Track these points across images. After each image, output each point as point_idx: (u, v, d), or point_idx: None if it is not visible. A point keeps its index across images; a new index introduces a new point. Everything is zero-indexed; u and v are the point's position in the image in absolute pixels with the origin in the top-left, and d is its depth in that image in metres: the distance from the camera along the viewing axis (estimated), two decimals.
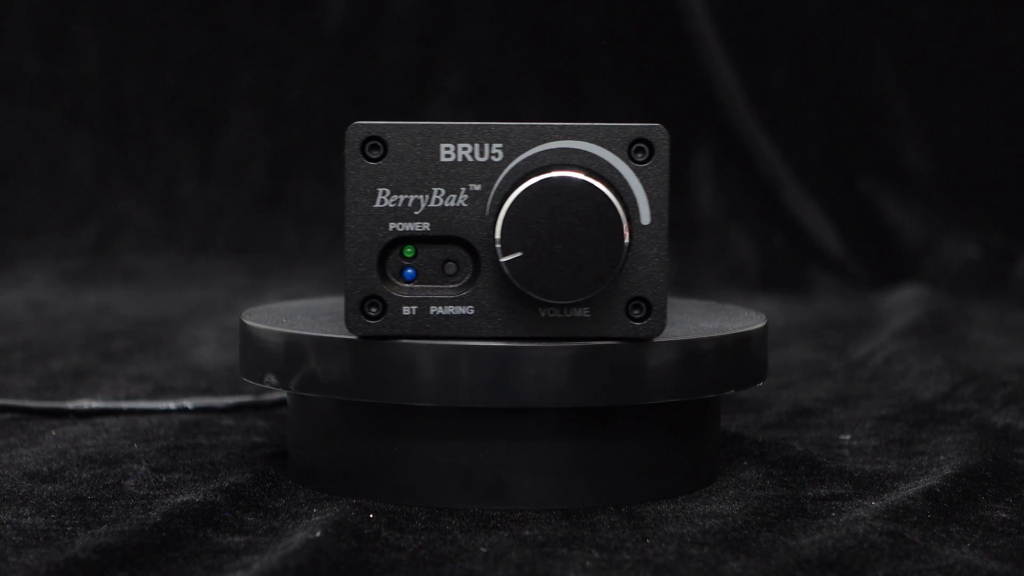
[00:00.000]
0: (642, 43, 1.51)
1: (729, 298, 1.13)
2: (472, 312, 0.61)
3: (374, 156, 0.61)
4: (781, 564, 0.56)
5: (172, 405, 0.82)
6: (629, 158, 0.61)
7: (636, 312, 0.61)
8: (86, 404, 0.82)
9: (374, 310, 0.62)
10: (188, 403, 0.82)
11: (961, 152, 1.46)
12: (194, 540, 0.59)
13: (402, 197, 0.61)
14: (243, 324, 0.67)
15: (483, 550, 0.58)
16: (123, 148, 1.54)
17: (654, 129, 0.61)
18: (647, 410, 0.64)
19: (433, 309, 0.61)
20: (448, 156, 0.61)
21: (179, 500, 0.63)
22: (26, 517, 0.62)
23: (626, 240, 0.59)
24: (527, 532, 0.60)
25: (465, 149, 0.61)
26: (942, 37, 1.47)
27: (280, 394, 0.82)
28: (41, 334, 1.11)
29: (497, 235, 0.60)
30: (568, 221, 0.59)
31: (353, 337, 0.62)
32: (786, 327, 1.16)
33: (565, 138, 0.61)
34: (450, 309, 0.61)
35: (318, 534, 0.57)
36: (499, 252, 0.60)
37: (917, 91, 1.46)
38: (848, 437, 0.78)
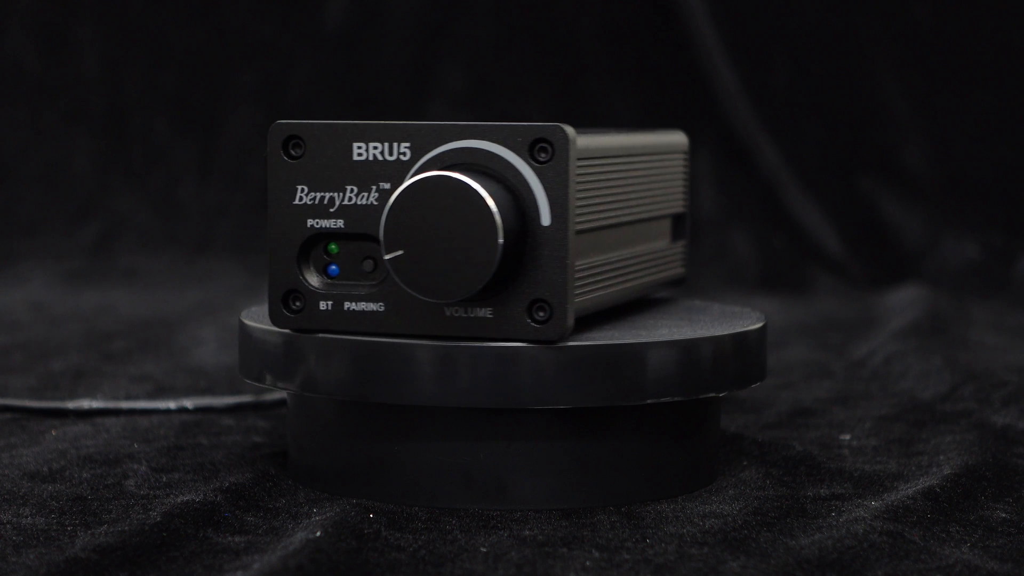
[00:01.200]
0: (642, 43, 1.51)
1: (729, 298, 1.14)
2: (383, 309, 0.62)
3: (295, 155, 0.62)
4: (781, 564, 0.56)
5: (172, 405, 0.82)
6: (531, 158, 0.60)
7: (539, 314, 0.60)
8: (86, 404, 0.82)
9: (297, 304, 0.63)
10: (188, 403, 0.82)
11: (961, 152, 1.46)
12: (194, 540, 0.59)
13: (319, 194, 0.62)
14: (243, 324, 0.67)
15: (483, 550, 0.58)
16: (123, 148, 1.54)
17: (555, 129, 0.60)
18: (647, 410, 0.64)
19: (347, 305, 0.62)
20: (360, 155, 0.62)
21: (179, 500, 0.63)
22: (26, 517, 0.62)
23: (500, 240, 0.59)
24: (527, 532, 0.60)
25: (376, 148, 0.62)
26: (942, 37, 1.47)
27: (280, 394, 0.82)
28: (41, 334, 1.11)
29: (381, 233, 0.60)
30: (445, 220, 0.59)
31: (353, 337, 0.62)
32: (786, 327, 1.16)
33: (469, 137, 0.61)
34: (362, 305, 0.62)
35: (318, 534, 0.57)
36: (383, 250, 0.60)
37: (917, 91, 1.46)
38: (848, 437, 0.78)
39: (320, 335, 0.63)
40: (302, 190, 0.63)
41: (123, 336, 1.11)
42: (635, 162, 0.69)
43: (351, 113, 1.48)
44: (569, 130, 0.60)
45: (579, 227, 0.61)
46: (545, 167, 0.60)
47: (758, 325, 0.68)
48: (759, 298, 1.28)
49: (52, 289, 1.34)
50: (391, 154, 0.61)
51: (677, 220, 0.75)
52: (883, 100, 1.47)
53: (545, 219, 0.60)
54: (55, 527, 0.60)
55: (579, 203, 0.61)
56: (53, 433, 0.77)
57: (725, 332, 0.65)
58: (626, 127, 0.75)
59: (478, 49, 1.53)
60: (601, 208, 0.65)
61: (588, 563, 0.56)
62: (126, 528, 0.59)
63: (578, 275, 0.62)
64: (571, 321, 0.60)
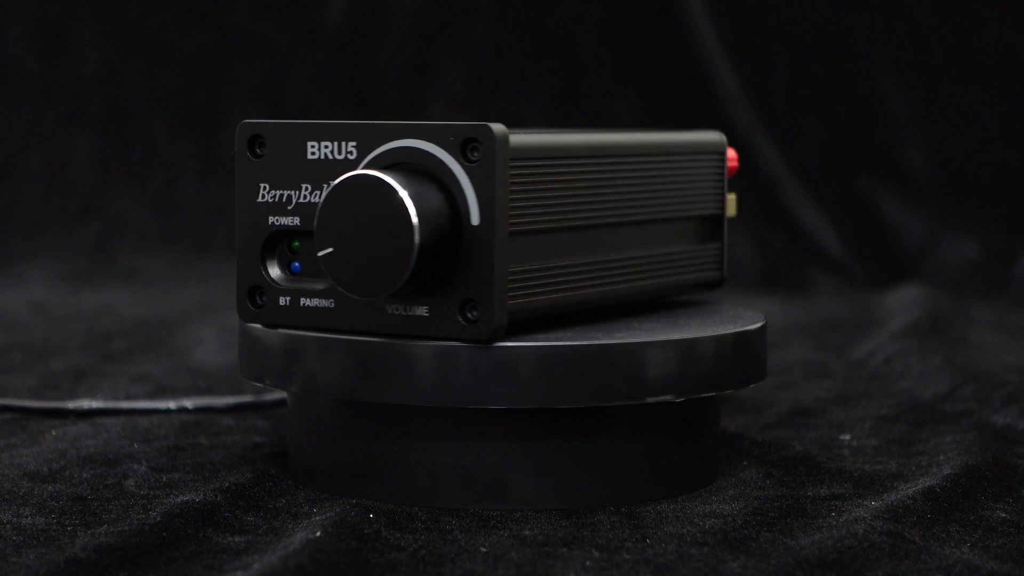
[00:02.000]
0: (642, 43, 1.51)
1: (729, 298, 1.13)
2: (333, 306, 0.63)
3: (259, 153, 0.64)
4: (781, 564, 0.56)
5: (172, 405, 0.82)
6: (463, 158, 0.60)
7: (470, 313, 0.60)
8: (86, 404, 0.82)
9: (261, 299, 0.64)
10: (188, 403, 0.82)
11: (961, 152, 1.46)
12: (194, 540, 0.59)
13: (278, 192, 0.64)
14: (243, 324, 0.67)
15: (483, 550, 0.58)
16: (123, 148, 1.54)
17: (482, 128, 0.60)
18: (647, 410, 0.64)
19: (303, 301, 0.63)
20: (313, 154, 0.63)
21: (179, 500, 0.63)
22: (26, 517, 0.62)
23: (416, 240, 0.59)
24: (527, 532, 0.60)
25: (326, 147, 0.62)
26: (942, 37, 1.47)
27: (280, 394, 0.82)
28: (41, 334, 1.11)
29: (315, 230, 0.61)
30: (369, 219, 0.60)
31: (354, 337, 0.62)
32: (786, 327, 1.16)
33: (407, 137, 0.61)
34: (316, 302, 0.63)
35: (318, 534, 0.57)
36: (316, 247, 0.61)
37: (917, 91, 1.46)
38: (848, 437, 0.78)
39: (318, 335, 0.63)
40: (264, 188, 0.64)
41: (123, 336, 1.11)
42: (622, 163, 0.67)
43: (351, 113, 1.48)
44: (498, 129, 0.59)
45: (519, 227, 0.61)
46: (474, 167, 0.60)
47: (758, 325, 0.68)
48: (759, 298, 1.28)
49: (52, 289, 1.34)
50: (340, 153, 0.62)
51: (709, 222, 0.73)
52: (883, 100, 1.47)
53: (474, 219, 0.60)
54: (55, 527, 0.60)
55: (520, 203, 0.61)
56: (53, 433, 0.77)
57: (725, 332, 0.65)
58: (662, 127, 0.74)
59: (478, 49, 1.53)
60: (557, 209, 0.63)
61: (588, 563, 0.56)
62: (126, 528, 0.59)
63: (525, 276, 0.62)
64: (501, 321, 0.60)
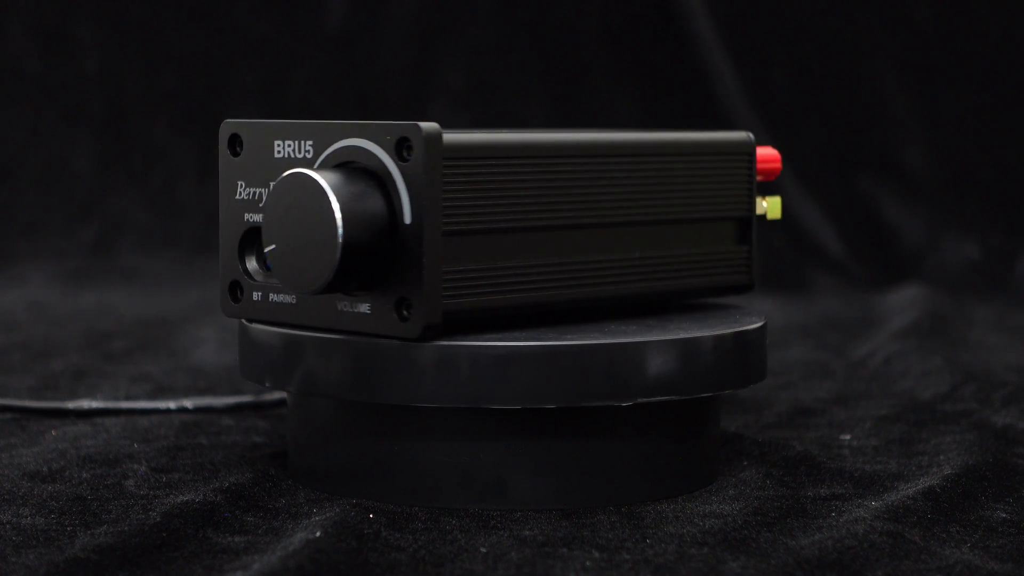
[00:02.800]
0: (642, 43, 1.51)
1: (729, 298, 1.13)
2: (294, 302, 0.64)
3: (237, 152, 0.65)
4: (781, 564, 0.56)
5: (172, 405, 0.82)
6: (398, 157, 0.60)
7: (404, 311, 0.61)
8: (86, 404, 0.82)
9: (239, 294, 0.66)
10: (188, 403, 0.82)
11: (961, 152, 1.46)
12: (194, 540, 0.59)
13: (252, 190, 0.65)
14: (243, 324, 0.67)
15: (483, 550, 0.58)
16: (123, 148, 1.54)
17: (412, 127, 0.60)
18: (647, 410, 0.64)
19: (271, 296, 0.65)
20: (279, 153, 0.64)
21: (179, 500, 0.63)
22: (26, 517, 0.62)
23: (340, 238, 0.59)
24: (527, 532, 0.60)
25: (289, 146, 0.63)
26: (942, 37, 1.47)
27: (280, 394, 0.82)
28: (41, 334, 1.11)
29: (262, 227, 0.62)
30: (303, 216, 0.60)
31: (353, 337, 0.62)
32: (786, 327, 1.16)
33: (352, 136, 0.62)
34: (281, 297, 0.64)
35: (318, 534, 0.57)
36: (263, 243, 0.62)
37: (917, 91, 1.46)
38: (848, 437, 0.78)
39: (318, 334, 0.63)
40: (241, 186, 0.65)
41: (123, 336, 1.11)
42: (604, 163, 0.66)
43: (351, 113, 1.48)
44: (428, 128, 0.60)
45: (457, 227, 0.61)
46: (407, 165, 0.60)
47: (758, 325, 0.68)
48: (759, 298, 1.28)
49: (52, 289, 1.34)
50: (299, 152, 0.63)
51: (735, 224, 0.72)
52: (883, 100, 1.47)
53: (407, 218, 0.60)
54: (55, 527, 0.60)
55: (458, 203, 0.61)
56: (53, 433, 0.77)
57: (725, 332, 0.65)
58: (692, 127, 0.73)
59: (478, 49, 1.53)
60: (503, 209, 0.63)
61: (588, 563, 0.56)
62: (126, 528, 0.59)
63: (465, 275, 0.62)
64: (433, 320, 0.60)
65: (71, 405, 0.81)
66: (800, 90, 1.49)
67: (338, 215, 0.59)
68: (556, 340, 0.62)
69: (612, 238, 0.67)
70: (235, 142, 0.65)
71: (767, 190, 0.76)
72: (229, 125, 0.66)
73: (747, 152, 0.72)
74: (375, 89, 1.53)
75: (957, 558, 0.57)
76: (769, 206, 0.73)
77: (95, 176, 1.52)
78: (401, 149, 0.60)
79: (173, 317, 1.20)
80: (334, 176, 0.60)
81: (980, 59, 1.47)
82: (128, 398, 0.86)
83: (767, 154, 0.73)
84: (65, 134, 1.53)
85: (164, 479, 0.68)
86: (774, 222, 0.78)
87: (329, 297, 0.62)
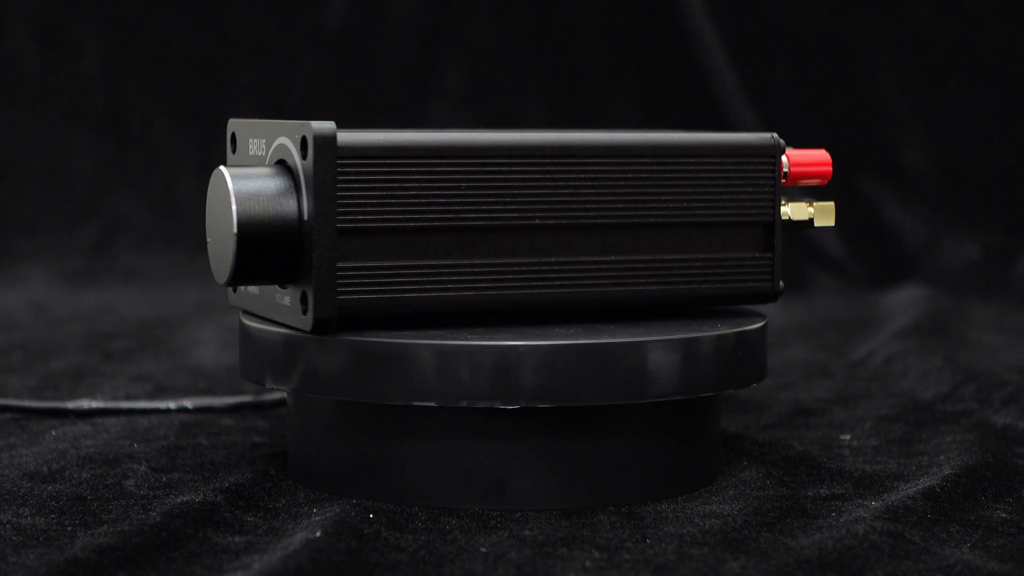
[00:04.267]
0: (642, 43, 1.51)
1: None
2: (258, 293, 0.67)
3: (235, 149, 0.68)
4: (781, 564, 0.56)
5: (172, 405, 0.82)
6: (302, 155, 0.62)
7: (304, 305, 0.62)
8: (86, 404, 0.82)
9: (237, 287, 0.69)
10: (188, 403, 0.82)
11: (961, 152, 1.46)
12: (194, 540, 0.59)
13: None
14: (243, 324, 0.67)
15: (483, 550, 0.58)
16: (123, 148, 1.54)
17: (307, 127, 0.61)
18: (647, 410, 0.64)
19: (249, 289, 0.68)
20: (252, 150, 0.66)
21: (179, 500, 0.63)
22: (26, 517, 0.62)
23: (234, 231, 0.61)
24: (527, 532, 0.60)
25: (254, 144, 0.66)
26: (942, 37, 1.47)
27: (280, 394, 0.82)
28: (41, 334, 1.11)
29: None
30: (219, 211, 0.63)
31: (353, 337, 0.62)
32: (786, 327, 1.16)
33: (280, 135, 0.64)
34: (254, 289, 0.67)
35: (318, 534, 0.57)
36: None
37: (917, 91, 1.46)
38: (848, 437, 0.78)
39: (317, 335, 0.63)
40: None
41: (123, 336, 1.11)
42: (558, 164, 0.65)
43: (351, 113, 1.48)
44: (319, 127, 0.61)
45: (357, 224, 0.62)
46: (305, 164, 0.62)
47: (758, 325, 0.68)
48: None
49: (52, 289, 1.34)
50: (260, 150, 0.66)
51: (752, 229, 0.68)
52: (883, 100, 1.47)
53: (307, 214, 0.62)
54: (55, 527, 0.60)
55: (357, 202, 0.62)
56: (53, 433, 0.77)
57: (725, 332, 0.65)
58: (695, 128, 0.70)
59: (478, 49, 1.53)
60: (413, 208, 0.63)
61: (588, 563, 0.56)
62: (126, 528, 0.59)
63: (366, 272, 0.62)
64: (325, 315, 0.61)
65: (71, 405, 0.81)
66: (800, 90, 1.49)
67: (234, 210, 0.61)
68: (556, 340, 0.62)
69: (573, 240, 0.65)
70: (234, 140, 0.68)
71: (820, 194, 0.73)
72: (231, 124, 0.68)
73: (769, 155, 0.68)
74: (375, 89, 1.53)
75: (957, 558, 0.57)
76: (817, 212, 0.70)
77: (95, 176, 1.52)
78: (303, 148, 0.62)
79: (173, 317, 1.20)
80: (252, 172, 0.63)
81: (980, 59, 1.47)
82: (128, 398, 0.86)
83: (812, 157, 0.69)
84: (65, 134, 1.53)
85: (164, 479, 0.68)
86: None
87: (271, 289, 0.65)
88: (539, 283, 0.65)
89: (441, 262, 0.64)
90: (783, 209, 0.69)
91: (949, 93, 1.46)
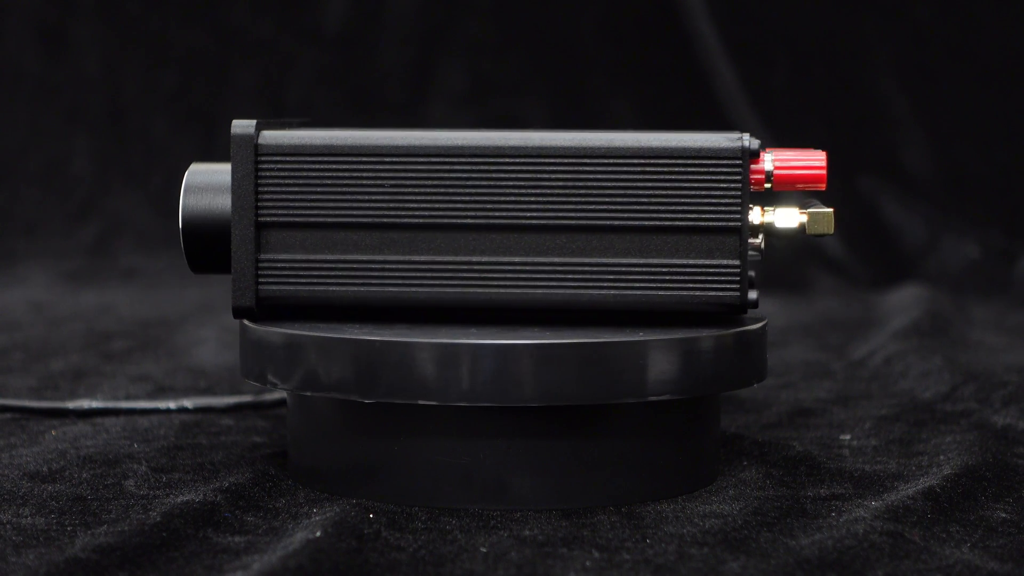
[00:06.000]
0: (642, 43, 1.51)
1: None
2: None
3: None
4: (781, 564, 0.56)
5: (172, 405, 0.82)
6: None
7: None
8: (86, 404, 0.82)
9: None
10: (188, 403, 0.82)
11: (961, 152, 1.46)
12: (194, 540, 0.59)
13: None
14: (243, 324, 0.67)
15: (483, 550, 0.58)
16: (123, 148, 1.54)
17: (232, 126, 0.66)
18: (647, 409, 0.64)
19: None
20: None
21: (179, 500, 0.63)
22: (26, 517, 0.62)
23: (180, 223, 0.68)
24: (527, 532, 0.60)
25: None
26: (942, 37, 1.47)
27: (280, 394, 0.82)
28: (41, 334, 1.11)
29: None
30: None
31: (354, 337, 0.62)
32: (786, 327, 1.16)
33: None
34: None
35: (318, 534, 0.57)
36: None
37: (917, 91, 1.46)
38: (848, 437, 0.78)
39: (317, 335, 0.63)
40: None
41: (123, 336, 1.11)
42: (481, 164, 0.64)
43: (351, 113, 1.48)
44: (238, 125, 0.65)
45: (277, 219, 0.65)
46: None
47: (758, 325, 0.68)
48: (759, 298, 1.28)
49: (52, 289, 1.34)
50: None
51: (708, 234, 0.65)
52: (883, 100, 1.47)
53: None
54: (55, 527, 0.60)
55: (280, 197, 0.65)
56: (53, 433, 0.77)
57: (725, 332, 0.65)
58: (690, 128, 0.68)
59: (478, 49, 1.53)
60: (332, 204, 0.65)
61: (588, 563, 0.56)
62: (126, 528, 0.59)
63: (286, 265, 0.65)
64: (241, 303, 0.66)
65: (71, 405, 0.81)
66: (800, 90, 1.49)
67: (181, 204, 0.68)
68: (555, 339, 0.62)
69: (503, 240, 0.65)
70: None
71: (823, 200, 0.68)
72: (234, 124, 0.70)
73: (735, 156, 0.64)
74: (375, 89, 1.53)
75: (957, 558, 0.57)
76: (810, 219, 0.65)
77: (95, 176, 1.52)
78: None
79: (173, 317, 1.20)
80: (208, 169, 0.68)
81: (980, 59, 1.47)
82: (128, 398, 0.86)
83: (802, 158, 0.65)
84: (65, 134, 1.53)
85: (164, 479, 0.68)
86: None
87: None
88: (469, 283, 0.65)
89: (366, 258, 0.65)
90: (768, 216, 0.65)
91: (949, 93, 1.46)
